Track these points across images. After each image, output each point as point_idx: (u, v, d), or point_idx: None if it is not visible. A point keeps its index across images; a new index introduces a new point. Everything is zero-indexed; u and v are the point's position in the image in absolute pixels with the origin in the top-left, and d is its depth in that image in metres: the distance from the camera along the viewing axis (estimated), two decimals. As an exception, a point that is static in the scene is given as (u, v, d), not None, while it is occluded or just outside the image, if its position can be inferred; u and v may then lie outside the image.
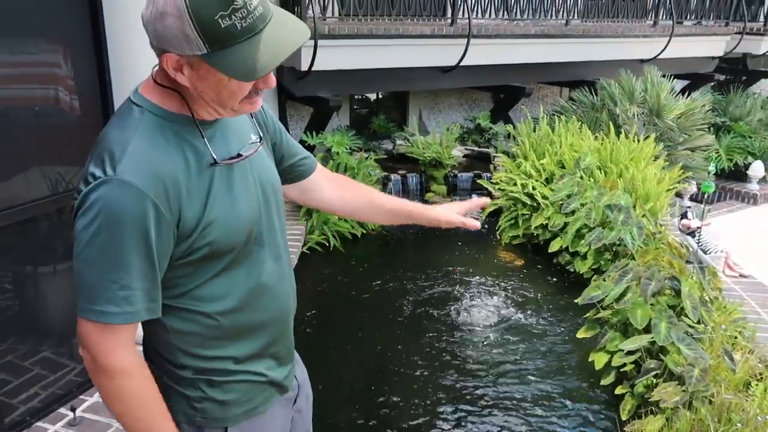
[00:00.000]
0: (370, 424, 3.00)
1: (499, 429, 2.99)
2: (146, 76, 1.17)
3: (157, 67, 1.12)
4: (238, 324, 1.23)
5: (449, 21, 5.87)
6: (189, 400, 1.24)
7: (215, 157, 1.14)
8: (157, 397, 1.16)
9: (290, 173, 1.46)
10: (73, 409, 2.66)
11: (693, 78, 8.51)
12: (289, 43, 1.05)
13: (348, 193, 1.56)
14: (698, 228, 4.90)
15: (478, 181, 6.04)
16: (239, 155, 1.18)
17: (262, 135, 1.30)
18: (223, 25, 0.98)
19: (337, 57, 5.24)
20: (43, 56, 2.57)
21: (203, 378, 1.23)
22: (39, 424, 2.63)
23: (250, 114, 1.29)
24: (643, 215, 4.61)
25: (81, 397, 2.81)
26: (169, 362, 1.23)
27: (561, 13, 6.93)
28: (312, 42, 4.86)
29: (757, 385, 2.82)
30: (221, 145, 1.18)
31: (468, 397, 3.22)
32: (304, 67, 4.99)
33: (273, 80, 1.12)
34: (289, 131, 6.86)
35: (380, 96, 7.41)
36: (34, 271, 2.74)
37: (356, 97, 7.18)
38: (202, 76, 1.05)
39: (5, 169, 2.44)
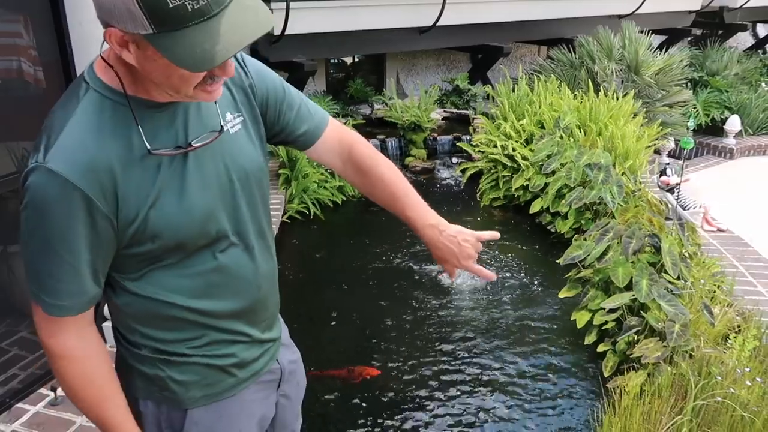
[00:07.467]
0: (358, 387, 3.01)
1: (482, 388, 3.01)
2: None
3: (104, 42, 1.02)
4: (194, 313, 1.17)
5: (424, -20, 5.74)
6: (148, 377, 1.21)
7: (149, 146, 1.02)
8: (103, 383, 1.13)
9: (288, 143, 1.33)
10: (53, 389, 2.62)
11: (670, 33, 8.47)
12: (248, 32, 0.92)
13: (359, 179, 1.39)
14: (677, 184, 4.92)
15: (458, 143, 6.00)
16: (189, 145, 1.06)
17: (243, 111, 1.18)
18: (171, 5, 0.86)
19: (311, 19, 5.10)
20: (4, 26, 2.45)
21: (160, 357, 1.19)
22: (19, 405, 2.59)
23: (228, 86, 1.17)
24: (623, 173, 4.62)
25: (62, 375, 2.77)
26: (126, 340, 1.21)
27: (538, -31, 6.81)
28: (284, 4, 4.73)
29: (735, 337, 2.87)
30: (195, 125, 1.08)
31: (450, 357, 3.24)
32: (277, 31, 4.86)
33: (232, 68, 1.01)
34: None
35: (356, 59, 7.27)
36: (5, 251, 2.67)
37: (332, 61, 7.03)
38: (150, 57, 0.94)
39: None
